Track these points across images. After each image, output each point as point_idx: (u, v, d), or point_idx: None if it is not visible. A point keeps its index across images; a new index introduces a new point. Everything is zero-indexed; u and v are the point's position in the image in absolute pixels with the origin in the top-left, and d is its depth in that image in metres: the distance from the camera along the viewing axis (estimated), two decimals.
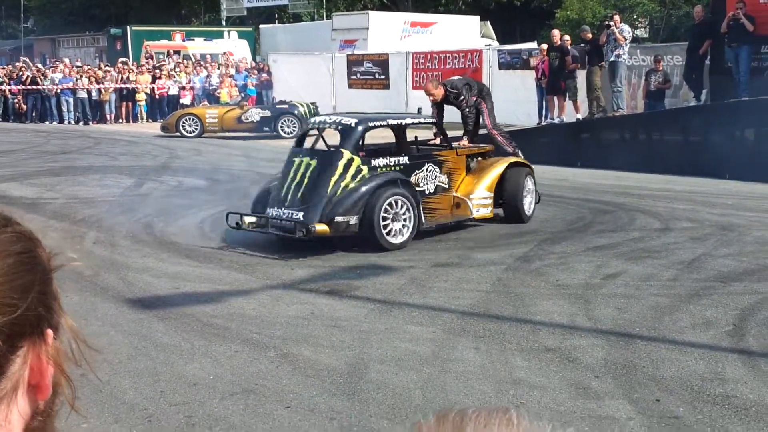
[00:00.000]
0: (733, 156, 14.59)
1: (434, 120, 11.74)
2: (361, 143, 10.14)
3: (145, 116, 30.20)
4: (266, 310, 7.30)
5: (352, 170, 9.72)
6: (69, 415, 0.97)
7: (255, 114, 24.40)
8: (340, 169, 9.68)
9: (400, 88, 26.64)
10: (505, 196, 11.06)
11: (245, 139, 23.56)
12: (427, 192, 10.36)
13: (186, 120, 24.60)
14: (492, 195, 10.96)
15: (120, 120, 30.11)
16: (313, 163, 9.81)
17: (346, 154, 9.79)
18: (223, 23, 45.09)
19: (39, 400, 0.92)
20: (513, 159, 11.58)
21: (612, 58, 17.93)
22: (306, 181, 9.68)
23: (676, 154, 15.50)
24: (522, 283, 8.11)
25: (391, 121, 10.86)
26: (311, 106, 24.79)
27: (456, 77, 13.48)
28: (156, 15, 46.43)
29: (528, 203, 11.19)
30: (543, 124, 19.52)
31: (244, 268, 8.80)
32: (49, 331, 0.92)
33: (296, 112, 24.30)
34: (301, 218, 9.35)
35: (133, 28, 41.10)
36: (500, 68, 23.73)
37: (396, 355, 6.09)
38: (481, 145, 11.79)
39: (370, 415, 5.07)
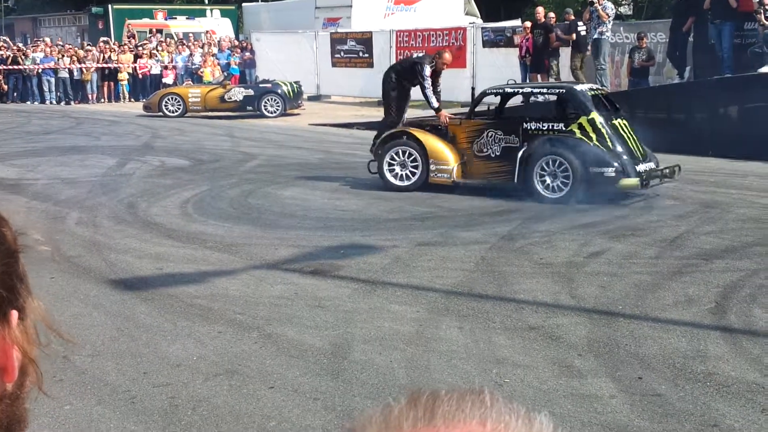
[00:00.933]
0: (716, 133, 14.63)
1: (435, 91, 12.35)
2: None
3: (127, 96, 29.97)
4: (250, 291, 7.28)
5: None
6: (37, 397, 0.95)
7: (238, 93, 24.25)
8: None
9: (384, 66, 26.24)
10: None
11: (228, 118, 23.43)
12: None
13: (169, 99, 24.42)
14: None
15: (102, 100, 29.89)
16: (626, 123, 11.42)
17: None
18: (206, 1, 44.74)
19: (6, 383, 0.90)
20: None
21: (595, 36, 17.91)
22: (635, 136, 11.31)
23: (660, 132, 15.43)
24: (506, 261, 8.12)
25: None
26: (294, 85, 24.69)
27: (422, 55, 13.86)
28: None
29: None
30: None
31: (227, 249, 8.77)
32: (14, 313, 0.89)
33: (279, 90, 24.19)
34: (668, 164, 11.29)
35: (115, 6, 40.65)
36: (484, 46, 23.62)
37: (380, 335, 6.09)
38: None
39: (354, 395, 5.08)
